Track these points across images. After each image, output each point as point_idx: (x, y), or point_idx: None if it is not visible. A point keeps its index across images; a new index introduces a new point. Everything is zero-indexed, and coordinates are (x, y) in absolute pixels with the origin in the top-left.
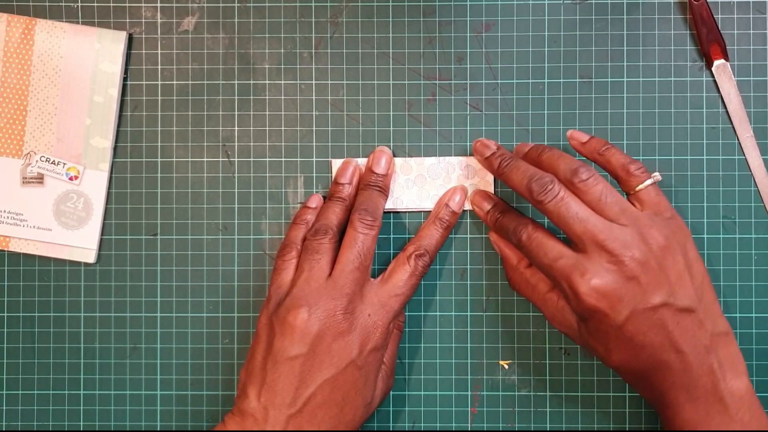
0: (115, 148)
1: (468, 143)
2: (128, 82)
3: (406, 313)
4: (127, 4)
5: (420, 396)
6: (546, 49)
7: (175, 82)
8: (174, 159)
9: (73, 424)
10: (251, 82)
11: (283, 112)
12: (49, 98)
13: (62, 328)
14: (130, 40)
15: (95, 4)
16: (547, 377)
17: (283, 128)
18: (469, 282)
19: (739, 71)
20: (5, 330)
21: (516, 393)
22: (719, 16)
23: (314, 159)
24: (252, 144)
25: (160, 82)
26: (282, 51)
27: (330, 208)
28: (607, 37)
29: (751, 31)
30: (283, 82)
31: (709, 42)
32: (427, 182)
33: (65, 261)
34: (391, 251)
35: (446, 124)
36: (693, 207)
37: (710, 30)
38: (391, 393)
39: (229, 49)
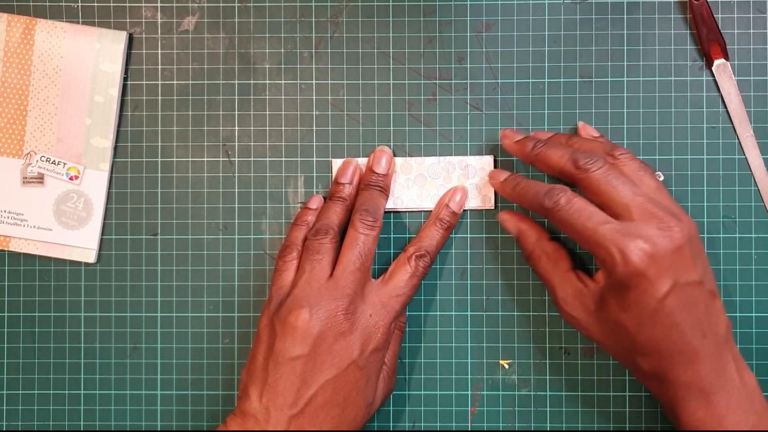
0: (115, 148)
1: (468, 143)
2: (128, 82)
3: (407, 313)
4: (127, 4)
5: (420, 395)
6: (546, 48)
7: (175, 82)
8: (174, 159)
9: (74, 424)
10: (251, 81)
11: (283, 112)
12: (50, 98)
13: (62, 327)
14: (131, 40)
15: (95, 4)
16: (547, 377)
17: (283, 128)
18: (469, 282)
19: (740, 71)
20: (5, 330)
21: (516, 393)
22: (719, 15)
23: (314, 159)
24: (252, 144)
25: (160, 82)
26: (282, 51)
27: (331, 208)
28: (607, 37)
29: (752, 31)
30: (283, 81)
31: (709, 41)
32: (427, 182)
33: (65, 261)
34: (392, 251)
35: (446, 124)
36: (693, 207)
37: (710, 29)
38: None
39: (230, 48)
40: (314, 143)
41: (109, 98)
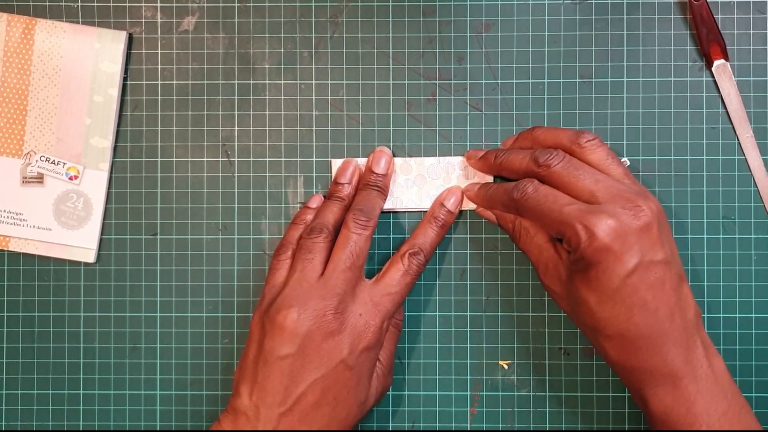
0: (115, 148)
1: (468, 143)
2: (128, 82)
3: (406, 313)
4: (127, 4)
5: (419, 396)
6: (546, 49)
7: (175, 82)
8: (174, 159)
9: (73, 424)
10: (251, 81)
11: (283, 112)
12: (49, 98)
13: (62, 327)
14: (130, 39)
15: (95, 4)
16: (547, 377)
17: (283, 128)
18: (468, 282)
19: (739, 71)
20: (5, 330)
21: (516, 393)
22: (719, 16)
23: (314, 159)
24: (252, 144)
25: (160, 82)
26: (282, 51)
27: (328, 208)
28: (607, 37)
29: (751, 31)
30: (283, 81)
31: (709, 42)
32: (426, 182)
33: (65, 261)
34: (391, 251)
35: (446, 124)
36: (693, 207)
37: (710, 30)
38: (391, 393)
39: (229, 49)
40: (314, 143)
41: (109, 98)
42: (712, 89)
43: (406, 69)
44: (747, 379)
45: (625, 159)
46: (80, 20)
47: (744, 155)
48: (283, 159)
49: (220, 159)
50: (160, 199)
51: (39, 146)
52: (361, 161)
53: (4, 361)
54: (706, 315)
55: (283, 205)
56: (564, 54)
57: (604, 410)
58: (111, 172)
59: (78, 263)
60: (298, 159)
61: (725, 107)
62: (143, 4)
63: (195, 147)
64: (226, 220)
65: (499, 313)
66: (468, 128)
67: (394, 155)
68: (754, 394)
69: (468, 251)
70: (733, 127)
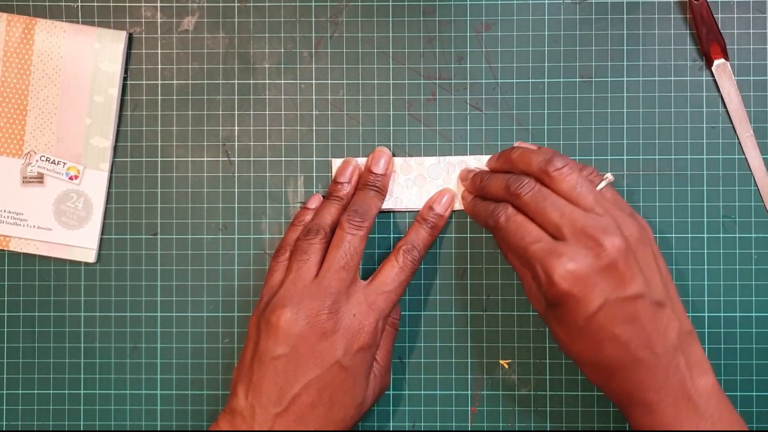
0: (115, 148)
1: (468, 143)
2: (128, 82)
3: (406, 313)
4: (127, 4)
5: (420, 395)
6: (546, 48)
7: (175, 82)
8: (174, 158)
9: (73, 424)
10: (251, 81)
11: (283, 112)
12: (49, 98)
13: (62, 327)
14: (130, 39)
15: (95, 4)
16: (547, 377)
17: (283, 128)
18: (469, 281)
19: (739, 71)
20: (5, 329)
21: (516, 392)
22: (719, 15)
23: (314, 158)
24: (252, 143)
25: (160, 82)
26: (282, 50)
27: (326, 208)
28: (607, 37)
29: (751, 31)
30: (283, 81)
31: (709, 41)
32: (427, 182)
33: (65, 260)
34: (390, 251)
35: (446, 124)
36: (693, 207)
37: (710, 29)
38: (391, 392)
39: (229, 48)
40: (314, 143)
41: (109, 98)
42: (712, 89)
43: (406, 69)
44: (747, 377)
45: (608, 175)
46: (80, 20)
47: (744, 154)
48: (283, 159)
49: (221, 159)
50: (161, 198)
51: (39, 146)
52: (361, 161)
53: (5, 361)
54: (706, 314)
55: (283, 205)
56: (564, 53)
57: (605, 409)
58: (111, 172)
59: (78, 263)
60: (299, 159)
61: (725, 106)
62: (143, 4)
63: (195, 147)
64: (226, 220)
65: (500, 313)
66: (468, 128)
67: (394, 155)
68: (754, 393)
69: (468, 250)
70: (733, 127)
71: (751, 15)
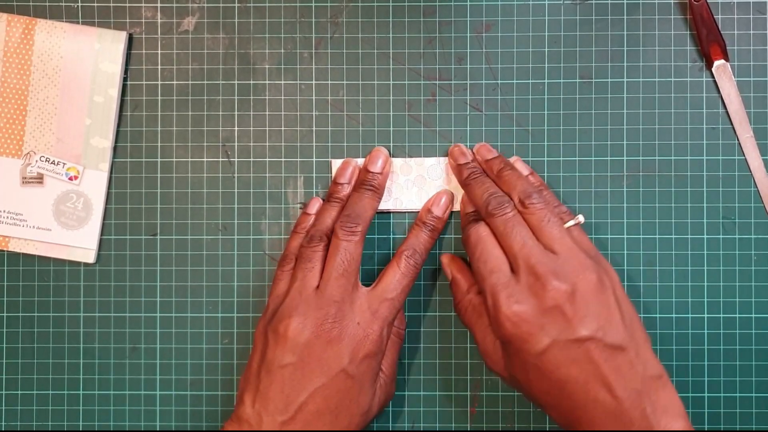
0: (115, 148)
1: (468, 143)
2: (128, 82)
3: (406, 314)
4: (127, 4)
5: (419, 396)
6: (546, 49)
7: (175, 82)
8: (174, 159)
9: (73, 424)
10: (251, 82)
11: (283, 112)
12: (49, 98)
13: (62, 328)
14: (130, 40)
15: (95, 4)
16: None
17: (283, 128)
18: None
19: (739, 71)
20: (5, 330)
21: (515, 393)
22: (719, 16)
23: (314, 159)
24: (252, 144)
25: (160, 82)
26: (282, 51)
27: (327, 212)
28: (607, 38)
29: (752, 32)
30: (283, 82)
31: (709, 42)
32: (426, 183)
33: (65, 261)
34: (391, 251)
35: (446, 125)
36: (693, 207)
37: (710, 30)
38: None
39: (229, 49)
40: (314, 144)
41: (109, 98)
42: (712, 90)
43: (406, 69)
44: (747, 379)
45: (579, 216)
46: (80, 20)
47: (744, 156)
48: (283, 159)
49: (220, 159)
50: (160, 199)
51: (39, 146)
52: (361, 161)
53: (4, 361)
54: (705, 315)
55: (283, 206)
56: (564, 54)
57: None
58: (111, 173)
59: (78, 263)
60: (298, 159)
61: (725, 108)
62: (143, 5)
63: (195, 147)
64: (226, 221)
65: None
66: (468, 129)
67: (394, 156)
68: (753, 394)
69: None
70: (733, 128)
71: (751, 16)
